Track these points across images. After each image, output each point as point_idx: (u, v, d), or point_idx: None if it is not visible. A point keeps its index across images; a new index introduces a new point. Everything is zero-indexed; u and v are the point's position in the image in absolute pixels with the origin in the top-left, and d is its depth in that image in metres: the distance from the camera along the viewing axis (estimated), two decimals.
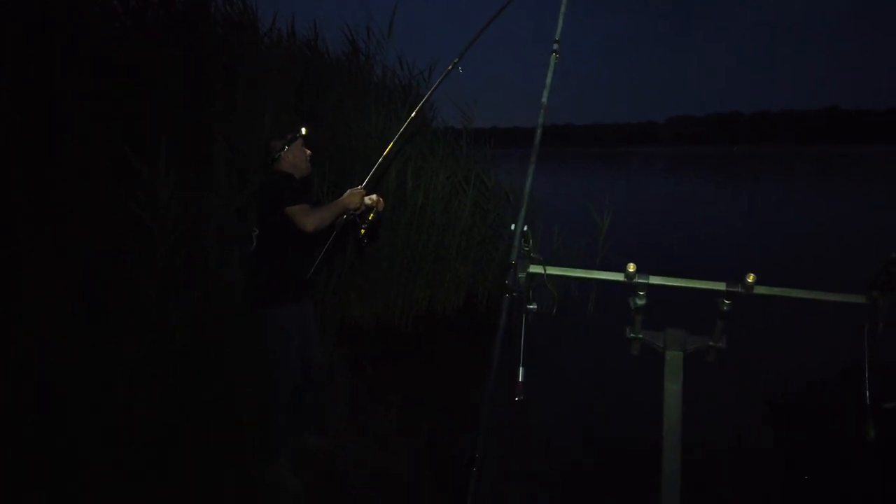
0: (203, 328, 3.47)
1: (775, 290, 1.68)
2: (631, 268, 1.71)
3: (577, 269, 1.82)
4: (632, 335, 1.93)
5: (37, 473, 2.72)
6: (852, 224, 15.10)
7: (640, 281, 1.74)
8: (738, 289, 1.68)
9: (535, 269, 1.75)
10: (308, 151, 3.37)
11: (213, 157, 4.32)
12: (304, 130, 3.36)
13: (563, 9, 1.96)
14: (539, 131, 1.79)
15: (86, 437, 2.89)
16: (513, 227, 1.65)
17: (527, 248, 1.70)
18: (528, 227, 1.66)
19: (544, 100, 1.82)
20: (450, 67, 3.19)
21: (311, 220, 2.99)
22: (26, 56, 3.92)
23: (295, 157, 3.28)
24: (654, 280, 1.74)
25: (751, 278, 1.65)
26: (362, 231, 3.22)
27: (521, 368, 1.73)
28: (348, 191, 3.18)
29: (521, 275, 1.71)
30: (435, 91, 3.55)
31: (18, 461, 2.73)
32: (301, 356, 3.25)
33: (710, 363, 1.91)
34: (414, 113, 3.37)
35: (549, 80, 1.84)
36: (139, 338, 3.15)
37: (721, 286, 1.70)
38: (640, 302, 1.80)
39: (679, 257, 10.46)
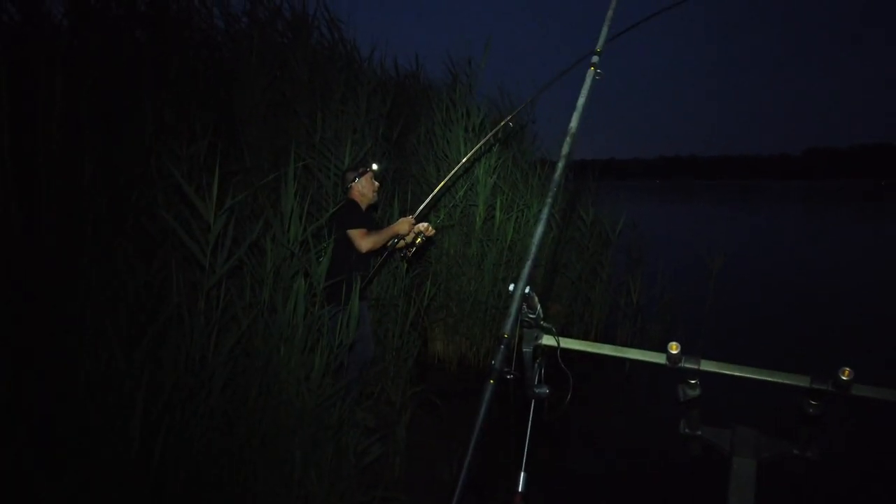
0: (246, 362, 3.30)
1: (884, 394, 1.17)
2: (673, 348, 1.26)
3: (605, 345, 1.38)
4: (686, 431, 1.47)
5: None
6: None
7: (688, 366, 1.29)
8: (827, 386, 1.19)
9: (547, 340, 1.35)
10: (376, 183, 3.99)
11: (286, 186, 4.26)
12: (374, 166, 4.00)
13: (610, 13, 1.56)
14: (561, 164, 1.39)
15: (112, 480, 2.76)
16: (511, 287, 1.23)
17: (532, 316, 1.29)
18: (530, 289, 1.24)
19: (573, 125, 1.41)
20: (501, 123, 3.24)
21: (365, 242, 3.67)
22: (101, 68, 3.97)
23: (363, 188, 3.92)
24: (707, 366, 1.28)
25: (846, 374, 1.15)
26: (410, 252, 3.89)
27: (522, 474, 1.30)
28: (400, 219, 3.79)
29: (527, 349, 1.33)
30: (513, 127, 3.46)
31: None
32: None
33: (791, 475, 1.40)
34: (473, 150, 3.84)
35: (581, 102, 1.43)
36: (179, 373, 3.01)
37: (803, 381, 1.21)
38: (693, 393, 1.35)
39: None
